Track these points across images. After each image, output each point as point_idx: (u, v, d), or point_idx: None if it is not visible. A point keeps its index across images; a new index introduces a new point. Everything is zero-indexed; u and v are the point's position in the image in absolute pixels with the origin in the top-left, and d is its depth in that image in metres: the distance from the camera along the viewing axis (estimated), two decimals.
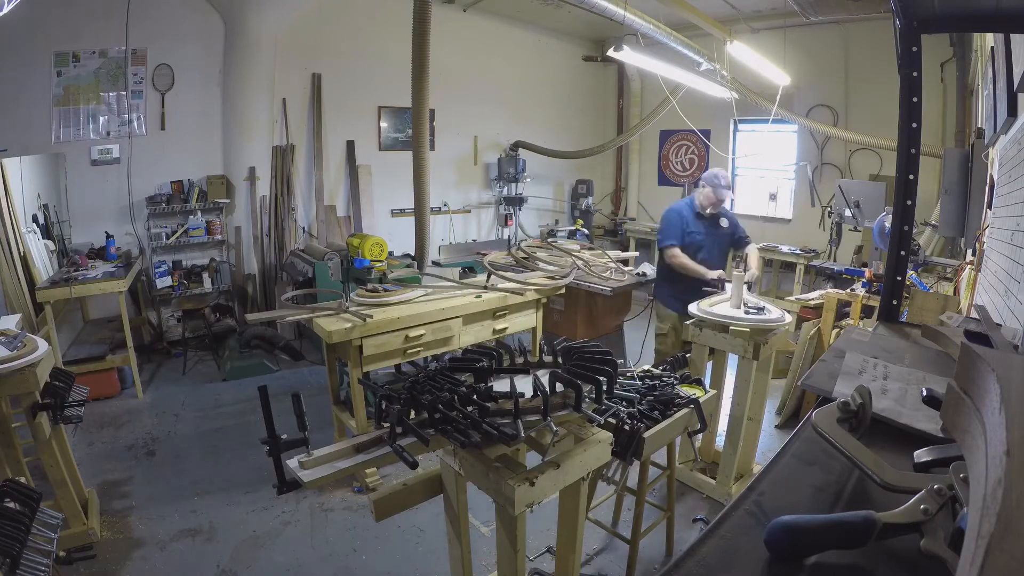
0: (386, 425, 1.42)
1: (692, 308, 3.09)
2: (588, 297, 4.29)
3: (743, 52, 4.97)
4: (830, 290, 4.40)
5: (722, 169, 3.83)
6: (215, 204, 5.24)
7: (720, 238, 3.85)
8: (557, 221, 8.11)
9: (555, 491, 1.53)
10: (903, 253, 1.74)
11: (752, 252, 3.84)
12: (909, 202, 1.69)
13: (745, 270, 3.43)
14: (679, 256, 3.70)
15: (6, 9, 2.68)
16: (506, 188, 7.42)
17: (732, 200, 3.98)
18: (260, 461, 3.33)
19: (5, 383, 2.30)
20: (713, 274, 3.57)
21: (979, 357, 0.63)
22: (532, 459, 1.58)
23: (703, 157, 7.69)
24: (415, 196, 3.66)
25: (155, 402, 4.29)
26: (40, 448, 2.46)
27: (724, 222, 3.85)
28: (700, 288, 3.42)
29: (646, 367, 2.41)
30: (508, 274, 3.68)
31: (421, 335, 3.17)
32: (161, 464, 3.46)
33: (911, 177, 1.67)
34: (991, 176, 2.53)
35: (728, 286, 3.32)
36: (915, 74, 1.60)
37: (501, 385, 1.55)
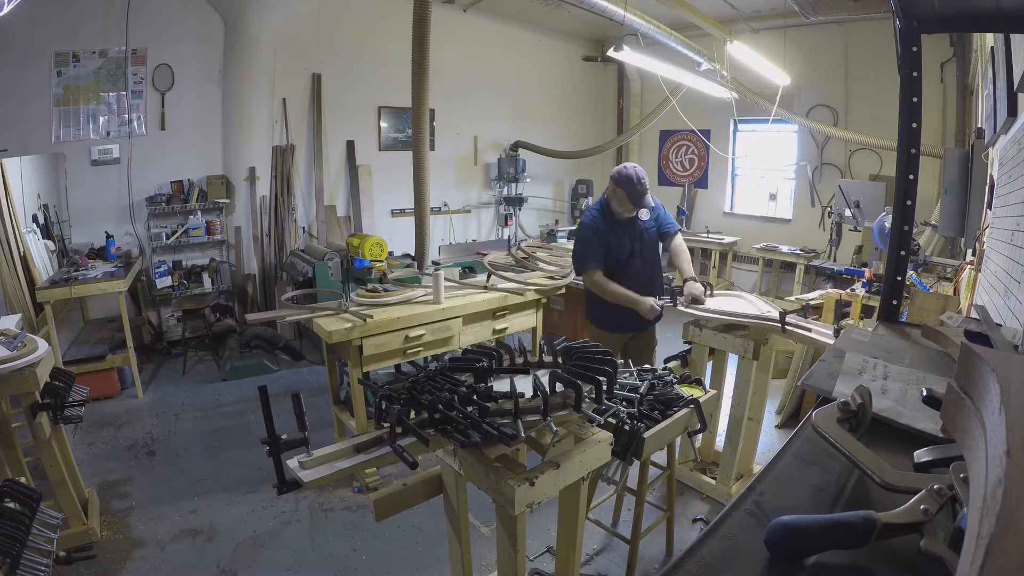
0: (386, 425, 1.42)
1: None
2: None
3: (743, 52, 4.97)
4: (830, 290, 4.41)
5: (637, 166, 2.98)
6: (215, 204, 5.24)
7: (647, 235, 3.13)
8: (557, 221, 8.11)
9: (555, 491, 1.53)
10: (903, 253, 1.74)
11: (680, 250, 3.14)
12: (909, 202, 1.69)
13: (680, 294, 2.95)
14: (603, 281, 2.99)
15: (6, 9, 2.68)
16: (506, 188, 7.43)
17: (651, 209, 3.08)
18: (260, 461, 3.32)
19: (5, 383, 2.30)
20: (646, 305, 2.89)
21: (979, 357, 0.63)
22: (532, 459, 1.58)
23: (703, 157, 7.69)
24: (415, 196, 3.67)
25: (155, 402, 4.29)
26: (40, 448, 2.46)
27: (644, 213, 3.06)
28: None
29: (647, 367, 2.41)
30: (508, 274, 3.68)
31: (421, 335, 3.17)
32: (161, 464, 3.46)
33: (911, 177, 1.67)
34: (991, 176, 2.53)
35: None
36: (915, 74, 1.60)
37: (501, 385, 1.55)
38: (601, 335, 3.15)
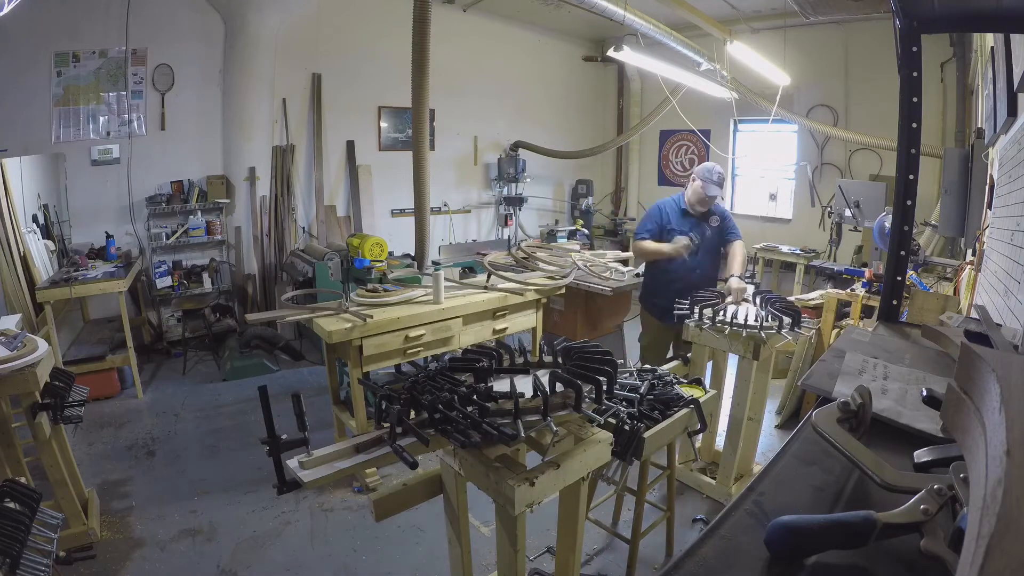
0: (386, 425, 1.42)
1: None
2: (588, 297, 4.29)
3: (743, 52, 4.97)
4: (830, 290, 4.40)
5: (718, 164, 3.44)
6: (215, 204, 5.24)
7: (709, 238, 3.48)
8: (557, 221, 8.11)
9: (555, 491, 1.53)
10: (903, 253, 1.74)
11: (736, 253, 3.40)
12: (909, 202, 1.69)
13: (727, 293, 3.16)
14: (642, 245, 3.45)
15: (6, 9, 2.68)
16: (506, 188, 7.42)
17: (721, 199, 3.59)
18: (260, 461, 3.33)
19: (5, 383, 2.30)
20: (669, 248, 3.32)
21: (979, 357, 0.63)
22: (532, 459, 1.58)
23: (703, 157, 7.68)
24: (415, 196, 3.66)
25: (155, 402, 4.29)
26: (40, 448, 2.46)
27: (715, 220, 3.47)
28: (685, 295, 3.12)
29: (647, 367, 2.41)
30: (508, 274, 3.68)
31: (421, 335, 3.17)
32: (161, 464, 3.46)
33: (911, 177, 1.67)
34: (991, 176, 2.53)
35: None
36: (915, 74, 1.60)
37: (501, 385, 1.55)
38: (658, 326, 3.56)
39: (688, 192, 3.46)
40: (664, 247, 3.37)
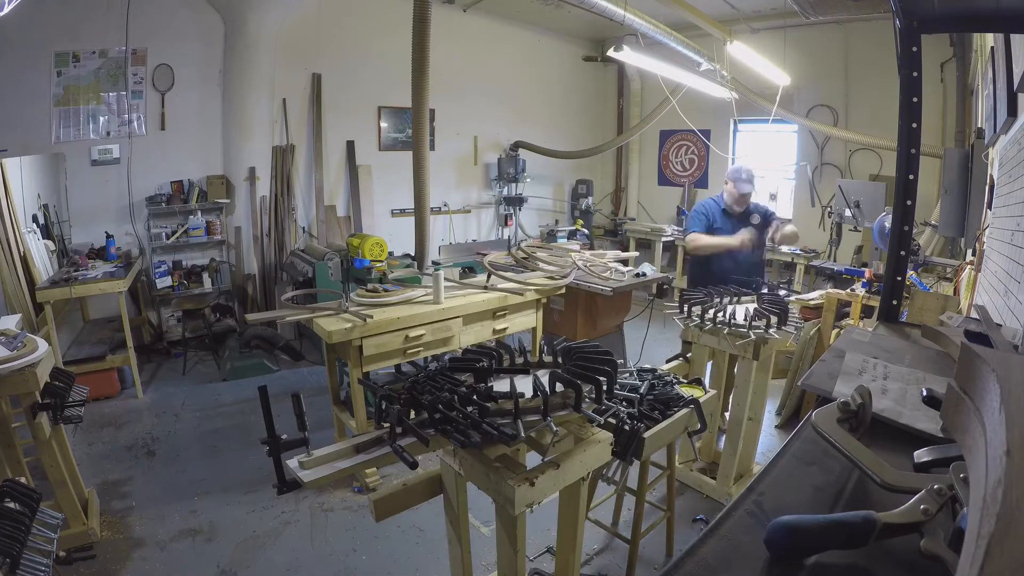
0: (386, 425, 1.42)
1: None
2: (588, 297, 4.28)
3: (743, 52, 4.97)
4: (830, 290, 4.40)
5: (745, 164, 3.66)
6: (215, 204, 5.24)
7: (753, 235, 3.65)
8: (557, 221, 8.11)
9: (555, 491, 1.53)
10: (903, 253, 1.74)
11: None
12: (909, 202, 1.69)
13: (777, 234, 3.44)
14: (699, 238, 3.61)
15: (6, 9, 2.68)
16: (506, 188, 7.42)
17: (755, 193, 3.76)
18: (260, 461, 3.33)
19: (5, 383, 2.30)
20: (735, 239, 3.46)
21: (979, 357, 0.63)
22: (532, 459, 1.58)
23: (703, 157, 7.69)
24: (415, 196, 3.66)
25: (155, 402, 4.29)
26: (40, 448, 2.46)
27: (755, 218, 3.66)
28: (736, 286, 3.22)
29: (646, 367, 2.41)
30: (508, 274, 3.68)
31: (421, 335, 3.17)
32: (161, 464, 3.46)
33: (911, 177, 1.67)
34: (991, 176, 2.53)
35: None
36: (915, 74, 1.60)
37: (501, 385, 1.55)
38: None
39: (724, 195, 3.70)
40: (728, 239, 3.51)
